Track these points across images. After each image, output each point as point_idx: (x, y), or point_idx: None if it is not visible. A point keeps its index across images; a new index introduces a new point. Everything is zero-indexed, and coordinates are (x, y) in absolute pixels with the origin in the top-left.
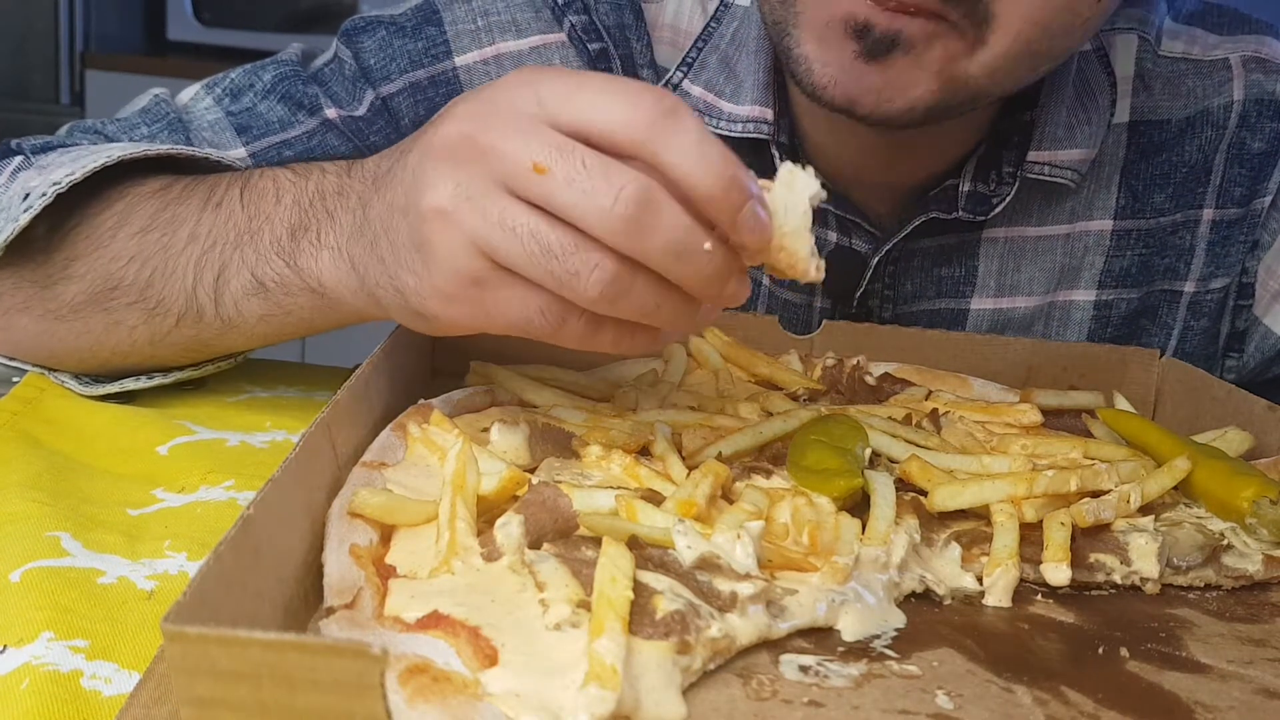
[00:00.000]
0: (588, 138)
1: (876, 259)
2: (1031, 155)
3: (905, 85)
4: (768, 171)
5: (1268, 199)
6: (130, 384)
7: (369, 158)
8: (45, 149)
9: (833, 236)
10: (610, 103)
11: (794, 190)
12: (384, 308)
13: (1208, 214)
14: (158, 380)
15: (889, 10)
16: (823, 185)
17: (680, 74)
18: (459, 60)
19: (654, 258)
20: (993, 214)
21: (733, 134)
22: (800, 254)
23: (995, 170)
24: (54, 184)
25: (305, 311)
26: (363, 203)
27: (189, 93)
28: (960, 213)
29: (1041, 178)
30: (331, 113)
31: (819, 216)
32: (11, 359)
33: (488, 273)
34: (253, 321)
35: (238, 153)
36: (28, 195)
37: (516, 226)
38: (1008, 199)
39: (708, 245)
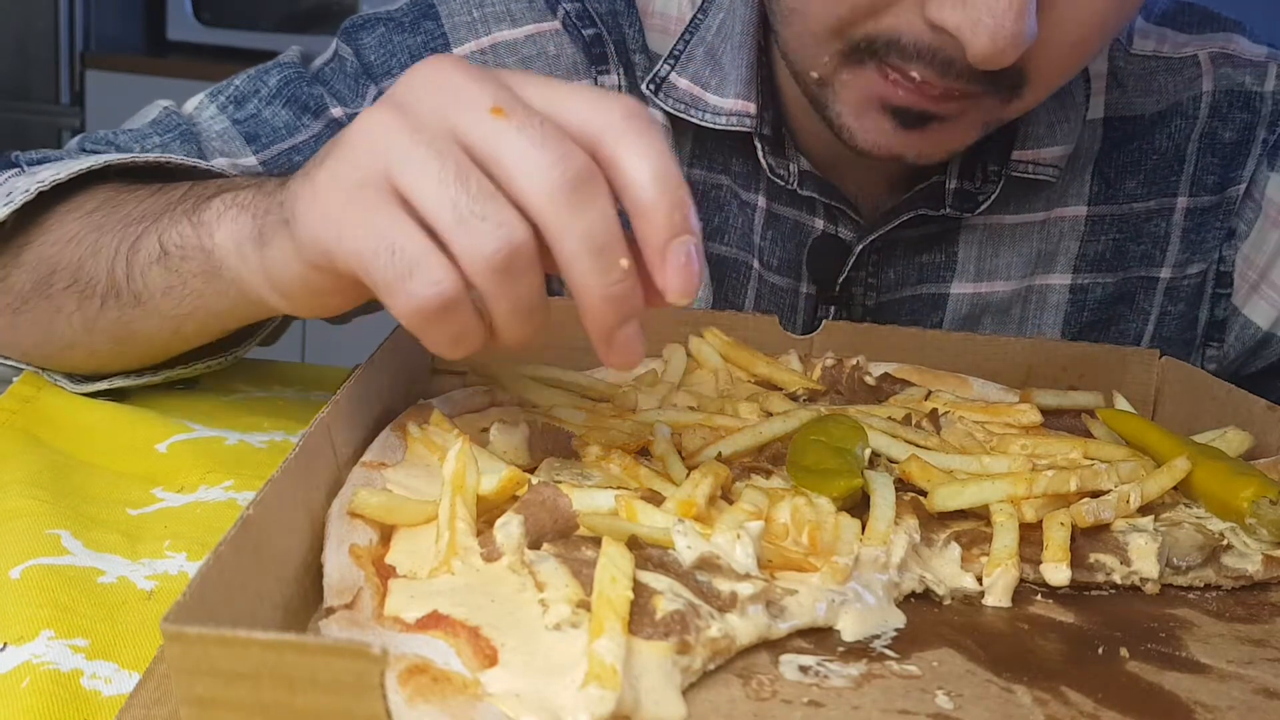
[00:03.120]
0: (553, 116)
1: (860, 247)
2: (1016, 154)
3: (946, 141)
4: (751, 163)
5: (1241, 187)
6: (120, 381)
7: None
8: (42, 161)
9: (819, 224)
10: (581, 94)
11: None
12: (260, 263)
13: (1182, 202)
14: (146, 378)
15: (929, 98)
16: (812, 174)
17: (668, 66)
18: (456, 52)
19: (571, 240)
20: (979, 211)
21: (717, 126)
22: None
23: (980, 167)
24: (37, 183)
25: (198, 281)
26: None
27: (193, 103)
28: (948, 210)
29: (1025, 175)
30: (337, 111)
31: (807, 204)
32: (6, 358)
33: (376, 187)
34: (158, 296)
35: (248, 161)
36: (10, 193)
37: (444, 152)
38: (993, 196)
39: (625, 262)
